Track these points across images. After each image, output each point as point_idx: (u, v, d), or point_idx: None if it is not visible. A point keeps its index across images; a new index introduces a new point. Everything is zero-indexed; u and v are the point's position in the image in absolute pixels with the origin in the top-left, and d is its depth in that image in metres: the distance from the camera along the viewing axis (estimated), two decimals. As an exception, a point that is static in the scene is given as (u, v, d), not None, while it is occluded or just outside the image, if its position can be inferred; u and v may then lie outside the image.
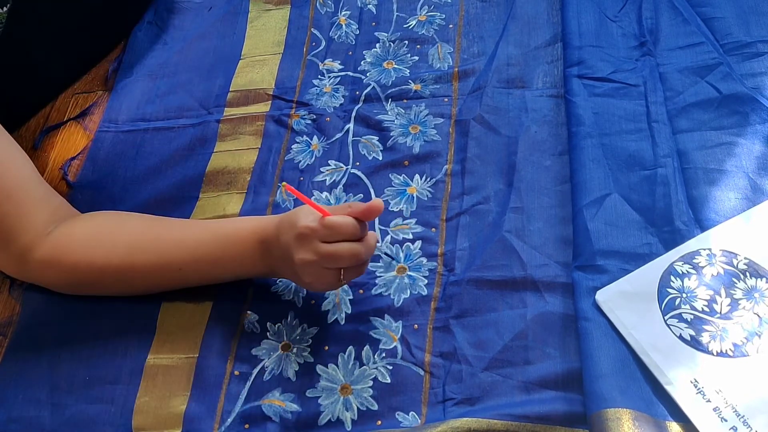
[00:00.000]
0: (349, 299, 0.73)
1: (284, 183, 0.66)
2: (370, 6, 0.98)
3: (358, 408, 0.66)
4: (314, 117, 0.88)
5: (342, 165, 0.83)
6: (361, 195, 0.80)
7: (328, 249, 0.63)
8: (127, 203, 0.83)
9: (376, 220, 0.77)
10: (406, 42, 0.93)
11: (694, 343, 0.63)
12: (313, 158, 0.84)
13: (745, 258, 0.67)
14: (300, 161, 0.84)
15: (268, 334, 0.72)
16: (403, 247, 0.75)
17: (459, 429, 0.61)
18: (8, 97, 0.91)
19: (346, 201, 0.80)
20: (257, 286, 0.75)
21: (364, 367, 0.68)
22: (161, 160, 0.87)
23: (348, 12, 0.98)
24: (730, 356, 0.62)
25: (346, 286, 0.73)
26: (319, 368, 0.69)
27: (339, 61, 0.93)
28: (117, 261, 0.71)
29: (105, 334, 0.73)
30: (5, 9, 0.82)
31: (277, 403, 0.67)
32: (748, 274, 0.66)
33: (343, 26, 0.97)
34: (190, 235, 0.71)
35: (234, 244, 0.69)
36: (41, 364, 0.72)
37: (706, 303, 0.65)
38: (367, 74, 0.90)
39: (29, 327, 0.75)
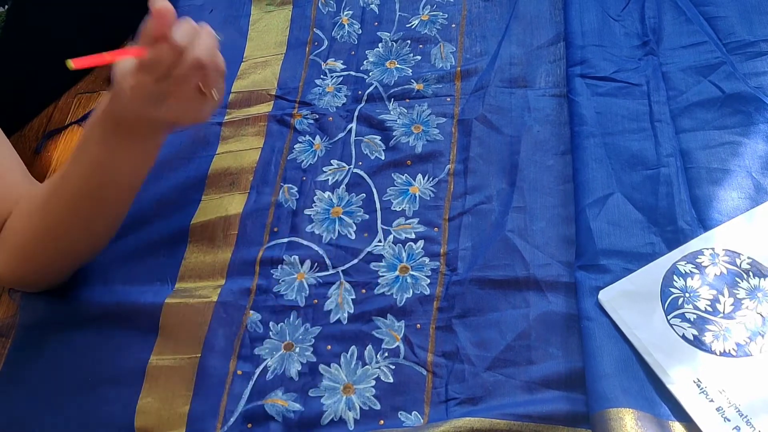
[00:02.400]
0: (352, 299, 0.73)
1: (69, 62, 0.57)
2: (372, 5, 0.98)
3: (360, 407, 0.66)
4: (317, 117, 0.88)
5: (344, 164, 0.83)
6: (364, 195, 0.80)
7: (173, 80, 0.59)
8: (129, 204, 0.83)
9: (378, 220, 0.77)
10: (409, 41, 0.93)
11: (697, 343, 0.63)
12: (316, 158, 0.84)
13: (749, 257, 0.67)
14: (302, 161, 0.84)
15: (270, 333, 0.72)
16: (406, 247, 0.75)
17: (461, 429, 0.61)
18: (10, 97, 0.91)
19: (348, 201, 0.80)
20: (260, 286, 0.75)
21: (367, 366, 0.68)
22: (162, 163, 0.86)
23: (350, 12, 0.98)
24: (733, 356, 0.62)
25: (348, 286, 0.73)
26: (322, 368, 0.69)
27: (341, 61, 0.93)
28: (42, 224, 0.70)
29: (107, 335, 0.73)
30: (5, 8, 0.82)
31: (280, 402, 0.67)
32: (751, 273, 0.66)
33: (346, 26, 0.97)
34: (62, 175, 0.69)
35: (93, 146, 0.66)
36: (43, 365, 0.72)
37: (709, 303, 0.65)
38: (370, 74, 0.90)
39: (31, 328, 0.75)
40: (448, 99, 0.86)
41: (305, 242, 0.77)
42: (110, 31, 1.00)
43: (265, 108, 0.90)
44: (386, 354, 0.69)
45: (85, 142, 0.68)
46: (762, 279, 0.65)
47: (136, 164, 0.70)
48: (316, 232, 0.78)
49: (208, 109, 0.66)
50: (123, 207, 0.73)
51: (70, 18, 0.94)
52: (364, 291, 0.73)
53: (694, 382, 0.60)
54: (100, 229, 0.73)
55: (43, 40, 0.91)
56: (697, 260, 0.67)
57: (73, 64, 0.55)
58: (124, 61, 0.59)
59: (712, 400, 0.59)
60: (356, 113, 0.87)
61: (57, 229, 0.71)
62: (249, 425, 0.67)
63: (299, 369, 0.69)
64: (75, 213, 0.70)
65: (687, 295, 0.65)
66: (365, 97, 0.88)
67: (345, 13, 0.98)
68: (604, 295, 0.66)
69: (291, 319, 0.72)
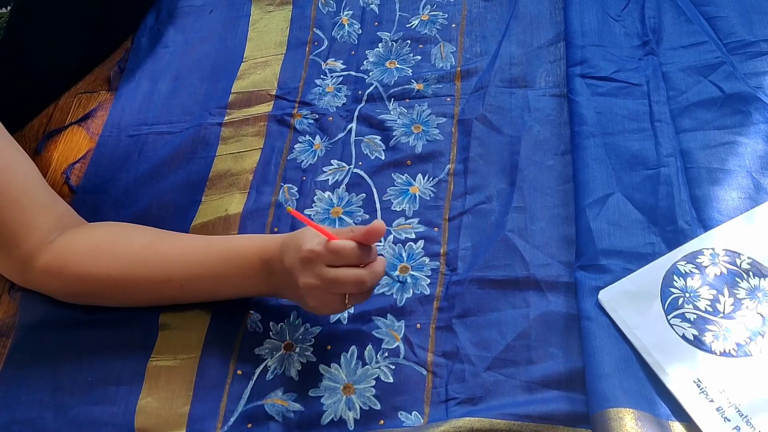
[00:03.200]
0: (352, 299, 0.73)
1: (288, 207, 0.64)
2: (372, 5, 0.98)
3: (360, 407, 0.66)
4: (317, 117, 0.88)
5: (344, 164, 0.83)
6: (364, 195, 0.80)
7: (332, 274, 0.62)
8: (129, 208, 0.83)
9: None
10: (409, 41, 0.93)
11: (697, 343, 0.63)
12: (316, 158, 0.84)
13: (749, 257, 0.67)
14: (302, 161, 0.84)
15: (270, 333, 0.72)
16: (406, 247, 0.75)
17: (461, 429, 0.61)
18: (11, 97, 0.91)
19: (348, 201, 0.80)
20: (260, 286, 0.75)
21: (367, 366, 0.68)
22: (163, 163, 0.86)
23: (350, 12, 0.98)
24: (733, 356, 0.62)
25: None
26: (322, 368, 0.69)
27: (341, 61, 0.93)
28: (118, 274, 0.70)
29: (107, 335, 0.73)
30: (7, 9, 0.82)
31: (280, 402, 0.67)
32: (751, 273, 0.66)
33: (346, 26, 0.97)
34: (193, 251, 0.70)
35: (237, 263, 0.68)
36: (44, 366, 0.72)
37: (709, 302, 0.65)
38: (370, 74, 0.90)
39: (32, 328, 0.75)
40: (448, 99, 0.86)
41: (305, 242, 0.77)
42: (110, 32, 1.01)
43: (265, 108, 0.90)
44: (386, 354, 0.69)
45: (231, 250, 0.69)
46: (762, 279, 0.65)
47: (232, 294, 0.72)
48: (316, 232, 0.78)
49: (336, 313, 0.70)
50: (172, 301, 0.73)
51: (72, 19, 0.94)
52: (364, 291, 0.73)
53: (694, 382, 0.60)
54: (153, 303, 0.73)
55: (44, 40, 0.91)
56: (697, 260, 0.67)
57: (289, 211, 0.63)
58: (316, 233, 0.63)
59: (712, 400, 0.59)
60: (356, 113, 0.87)
61: (130, 286, 0.71)
62: (249, 425, 0.67)
63: (299, 369, 0.69)
64: (160, 289, 0.71)
65: (687, 295, 0.65)
66: (365, 97, 0.88)
67: (345, 13, 0.98)
68: (604, 295, 0.66)
69: (291, 319, 0.72)
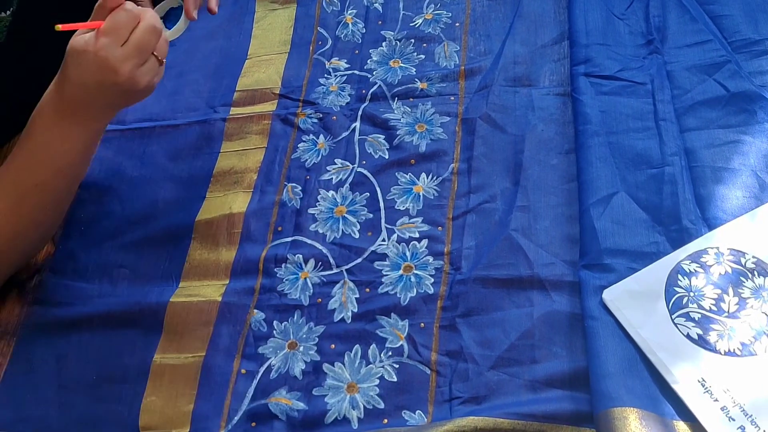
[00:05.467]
0: (356, 298, 0.73)
1: (57, 25, 0.65)
2: (376, 4, 0.98)
3: (364, 406, 0.66)
4: (320, 116, 0.88)
5: (348, 164, 0.83)
6: (368, 194, 0.80)
7: (133, 42, 0.65)
8: (134, 202, 0.83)
9: (382, 219, 0.77)
10: (413, 40, 0.93)
11: (702, 342, 0.62)
12: (320, 157, 0.84)
13: (753, 257, 0.67)
14: (306, 160, 0.84)
15: (274, 332, 0.72)
16: (410, 246, 0.75)
17: (465, 428, 0.61)
18: (13, 100, 0.91)
19: (352, 200, 0.80)
20: (264, 285, 0.75)
21: (371, 365, 0.68)
22: (168, 159, 0.87)
23: (354, 11, 0.98)
24: (737, 355, 0.62)
25: (352, 285, 0.73)
26: (326, 367, 0.69)
27: (345, 60, 0.93)
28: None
29: (112, 334, 0.73)
30: (9, 12, 0.82)
31: (284, 401, 0.67)
32: (756, 272, 0.66)
33: (350, 25, 0.97)
34: (8, 167, 0.71)
35: (40, 136, 0.69)
36: (49, 364, 0.72)
37: (713, 302, 0.65)
38: (374, 73, 0.90)
39: (37, 327, 0.75)
40: (452, 98, 0.86)
41: (309, 241, 0.77)
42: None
43: (269, 107, 0.90)
44: (390, 353, 0.69)
45: (29, 133, 0.70)
46: (767, 278, 0.65)
47: (84, 150, 0.72)
48: (320, 231, 0.78)
49: (158, 77, 0.71)
50: (67, 199, 0.74)
51: (74, 20, 0.94)
52: (368, 290, 0.73)
53: (699, 381, 0.60)
54: (46, 222, 0.74)
55: (46, 43, 0.91)
56: (702, 259, 0.67)
57: (60, 27, 0.63)
58: (80, 35, 0.65)
59: (716, 400, 0.59)
60: (360, 112, 0.87)
61: (1, 225, 0.71)
62: (253, 424, 0.67)
63: (303, 368, 0.69)
64: (22, 205, 0.71)
65: (691, 294, 0.65)
66: (369, 96, 0.88)
67: (349, 12, 0.98)
68: (608, 295, 0.66)
69: (295, 318, 0.72)
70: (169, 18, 0.80)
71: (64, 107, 0.68)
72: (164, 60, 0.69)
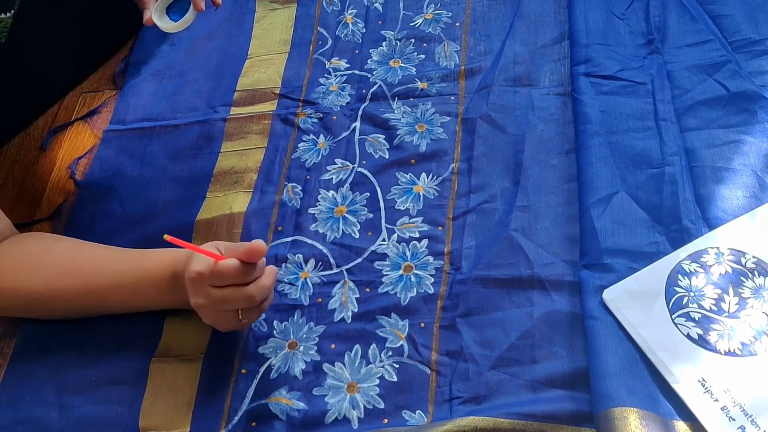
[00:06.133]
0: (356, 297, 0.73)
1: (166, 235, 0.64)
2: (376, 4, 0.98)
3: (364, 406, 0.66)
4: (321, 116, 0.88)
5: (348, 163, 0.83)
6: (368, 194, 0.80)
7: (218, 294, 0.64)
8: (134, 202, 0.83)
9: (382, 219, 0.77)
10: (413, 40, 0.93)
11: (702, 342, 0.62)
12: (320, 157, 0.84)
13: (753, 256, 0.67)
14: (306, 160, 0.84)
15: (274, 332, 0.72)
16: (410, 246, 0.75)
17: (465, 428, 0.61)
18: (15, 100, 0.91)
19: (352, 200, 0.80)
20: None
21: (371, 365, 0.68)
22: (168, 159, 0.87)
23: (354, 10, 0.98)
24: (738, 355, 0.61)
25: (352, 285, 0.73)
26: (326, 366, 0.69)
27: (345, 60, 0.93)
28: (40, 287, 0.71)
29: (111, 335, 0.73)
30: (9, 14, 0.82)
31: (284, 401, 0.67)
32: (756, 272, 0.66)
33: (350, 25, 0.97)
34: (111, 264, 0.72)
35: (150, 275, 0.70)
36: (48, 365, 0.72)
37: (713, 302, 0.65)
38: (374, 73, 0.90)
39: (36, 329, 0.75)
40: (452, 98, 0.86)
41: (309, 241, 0.77)
42: (114, 31, 1.01)
43: (270, 107, 0.90)
44: (390, 353, 0.69)
45: (146, 269, 0.70)
46: (767, 278, 0.65)
47: (161, 307, 0.73)
48: (320, 230, 0.78)
49: (236, 329, 0.70)
50: (101, 313, 0.74)
51: (74, 20, 0.94)
52: (368, 290, 0.73)
53: (699, 381, 0.60)
54: (78, 315, 0.74)
55: (47, 43, 0.91)
56: (702, 259, 0.67)
57: (167, 238, 0.63)
58: (205, 257, 0.64)
59: (716, 400, 0.59)
60: (360, 112, 0.87)
61: (53, 299, 0.71)
62: (253, 424, 0.67)
63: (303, 368, 0.69)
64: (82, 301, 0.72)
65: (692, 294, 0.65)
66: (369, 96, 0.88)
67: (349, 11, 0.98)
68: (608, 294, 0.66)
69: (295, 317, 0.72)
70: (173, 9, 0.80)
71: (173, 280, 0.69)
72: (243, 320, 0.67)
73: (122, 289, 0.70)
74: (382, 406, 0.66)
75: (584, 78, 0.81)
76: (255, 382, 0.69)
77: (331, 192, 0.81)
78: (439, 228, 0.76)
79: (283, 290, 0.74)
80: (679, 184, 0.71)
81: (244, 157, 0.85)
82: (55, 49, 0.93)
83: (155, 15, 0.77)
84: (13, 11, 0.82)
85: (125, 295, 0.71)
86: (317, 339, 0.71)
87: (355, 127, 0.86)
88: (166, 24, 0.79)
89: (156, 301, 0.71)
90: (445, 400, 0.66)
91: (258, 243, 0.63)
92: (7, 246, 0.74)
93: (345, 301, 0.73)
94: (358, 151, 0.84)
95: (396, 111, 0.86)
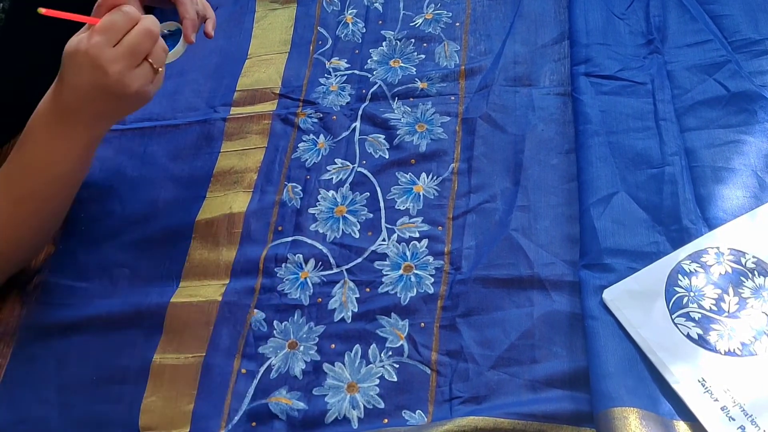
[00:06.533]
0: (356, 297, 0.73)
1: (40, 9, 0.62)
2: (376, 4, 0.98)
3: (364, 406, 0.66)
4: (321, 115, 0.88)
5: (348, 163, 0.83)
6: (368, 194, 0.80)
7: (122, 47, 0.62)
8: (134, 202, 0.83)
9: (382, 219, 0.77)
10: (413, 40, 0.93)
11: (702, 342, 0.62)
12: (320, 157, 0.84)
13: (754, 256, 0.67)
14: (306, 160, 0.84)
15: (274, 332, 0.72)
16: (410, 246, 0.75)
17: (465, 428, 0.61)
18: (11, 95, 0.91)
19: (352, 200, 0.80)
20: (264, 285, 0.75)
21: (371, 365, 0.68)
22: (168, 158, 0.87)
23: (354, 10, 0.98)
24: (738, 355, 0.61)
25: (352, 285, 0.73)
26: (326, 366, 0.69)
27: (345, 60, 0.93)
28: None
29: (112, 334, 0.73)
30: (3, 5, 0.82)
31: (284, 401, 0.67)
32: (756, 272, 0.66)
33: (350, 25, 0.97)
34: (4, 175, 0.69)
35: (34, 143, 0.67)
36: (49, 364, 0.72)
37: (713, 302, 0.65)
38: (374, 73, 0.90)
39: (37, 328, 0.75)
40: (452, 98, 0.86)
41: (309, 241, 0.77)
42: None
43: (270, 107, 0.90)
44: (390, 353, 0.69)
45: (26, 140, 0.68)
46: (767, 278, 0.65)
47: (79, 157, 0.70)
48: (320, 230, 0.78)
49: (155, 86, 0.68)
50: (65, 205, 0.73)
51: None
52: (368, 290, 0.73)
53: (699, 381, 0.60)
54: (41, 229, 0.73)
55: (43, 38, 0.91)
56: (702, 259, 0.67)
57: (43, 11, 0.60)
58: (78, 35, 0.62)
59: (716, 400, 0.59)
60: (360, 112, 0.87)
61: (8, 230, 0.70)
62: (253, 424, 0.67)
63: (303, 368, 0.69)
64: (18, 213, 0.70)
65: (692, 294, 0.65)
66: (369, 96, 0.88)
67: (349, 11, 0.98)
68: (608, 294, 0.66)
69: (295, 317, 0.72)
70: (166, 40, 0.80)
71: (58, 113, 0.67)
72: (161, 68, 0.67)
73: (28, 168, 0.68)
74: (382, 406, 0.66)
75: (584, 78, 0.81)
76: (255, 381, 0.69)
77: (331, 192, 0.81)
78: (439, 228, 0.76)
79: (283, 290, 0.74)
80: (679, 184, 0.71)
81: (244, 157, 0.85)
82: (54, 47, 0.93)
83: None
84: (7, 3, 0.82)
85: (37, 169, 0.68)
86: (317, 339, 0.71)
87: (355, 127, 0.86)
88: None
89: (68, 157, 0.68)
90: (445, 400, 0.66)
91: None
92: None
93: (345, 301, 0.73)
94: (358, 151, 0.84)
95: (396, 111, 0.86)
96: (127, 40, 0.63)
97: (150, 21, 0.65)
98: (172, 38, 0.79)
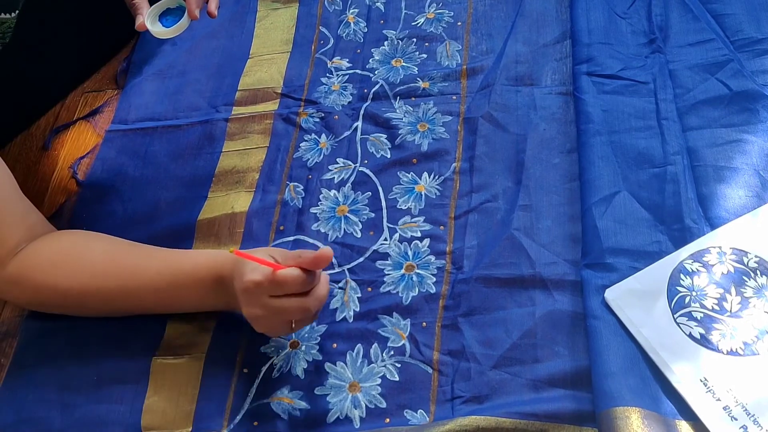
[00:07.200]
0: (358, 297, 0.73)
1: (231, 249, 0.63)
2: (378, 4, 0.98)
3: (366, 406, 0.66)
4: (322, 115, 0.88)
5: (350, 163, 0.83)
6: (370, 193, 0.80)
7: (275, 304, 0.62)
8: (136, 202, 0.83)
9: (384, 218, 0.77)
10: (415, 39, 0.93)
11: (704, 342, 0.62)
12: (322, 156, 0.84)
13: (756, 256, 0.67)
14: (308, 159, 0.84)
15: (276, 332, 0.72)
16: (412, 245, 0.75)
17: (467, 427, 0.61)
18: (19, 96, 0.91)
19: (354, 199, 0.80)
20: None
21: (373, 365, 0.68)
22: (170, 158, 0.87)
23: (356, 10, 0.98)
24: (740, 355, 0.61)
25: (354, 285, 0.73)
26: (328, 366, 0.69)
27: (347, 59, 0.93)
28: (78, 286, 0.70)
29: (113, 334, 0.73)
30: (13, 15, 0.82)
31: (286, 400, 0.67)
32: (758, 272, 0.66)
33: (352, 24, 0.96)
34: (151, 265, 0.70)
35: (191, 279, 0.68)
36: (50, 365, 0.72)
37: (716, 301, 0.65)
38: (376, 72, 0.90)
39: (38, 328, 0.75)
40: (454, 97, 0.86)
41: (311, 240, 0.77)
42: (116, 30, 1.01)
43: (271, 106, 0.90)
44: (392, 352, 0.69)
45: (187, 272, 0.69)
46: (769, 277, 0.65)
47: (190, 308, 0.72)
48: (322, 230, 0.78)
49: (285, 335, 0.70)
50: (146, 312, 0.73)
51: (78, 20, 0.95)
52: (369, 289, 0.73)
53: (701, 380, 0.60)
54: (115, 314, 0.74)
55: (51, 43, 0.91)
56: (704, 258, 0.67)
57: (234, 253, 0.62)
58: (260, 265, 0.62)
59: (718, 399, 0.59)
60: (362, 111, 0.87)
61: (91, 297, 0.71)
62: (255, 423, 0.67)
63: (305, 367, 0.69)
64: (120, 301, 0.71)
65: (694, 293, 0.65)
66: (371, 96, 0.88)
67: (351, 11, 0.98)
68: (610, 294, 0.66)
69: (297, 317, 0.72)
70: (166, 16, 0.80)
71: (215, 285, 0.67)
72: (295, 328, 0.66)
73: (162, 292, 0.69)
74: (383, 405, 0.66)
75: (586, 77, 0.81)
76: (257, 381, 0.69)
77: (333, 191, 0.81)
78: (441, 227, 0.76)
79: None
80: (681, 184, 0.71)
81: (246, 157, 0.85)
82: (57, 49, 0.93)
83: (148, 20, 0.77)
84: (17, 11, 0.82)
85: (165, 298, 0.70)
86: (319, 338, 0.71)
87: (356, 127, 0.86)
88: (158, 29, 0.78)
89: (196, 303, 0.71)
90: (447, 400, 0.65)
91: (327, 250, 0.61)
92: (44, 242, 0.73)
93: (347, 300, 0.73)
94: (359, 151, 0.84)
95: (398, 110, 0.86)
96: (282, 303, 0.62)
97: (314, 300, 0.63)
98: (174, 13, 0.79)
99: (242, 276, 0.62)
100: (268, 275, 0.61)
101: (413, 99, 0.87)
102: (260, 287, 0.62)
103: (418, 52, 0.91)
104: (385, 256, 0.75)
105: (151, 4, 0.78)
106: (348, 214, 0.79)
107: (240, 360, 0.70)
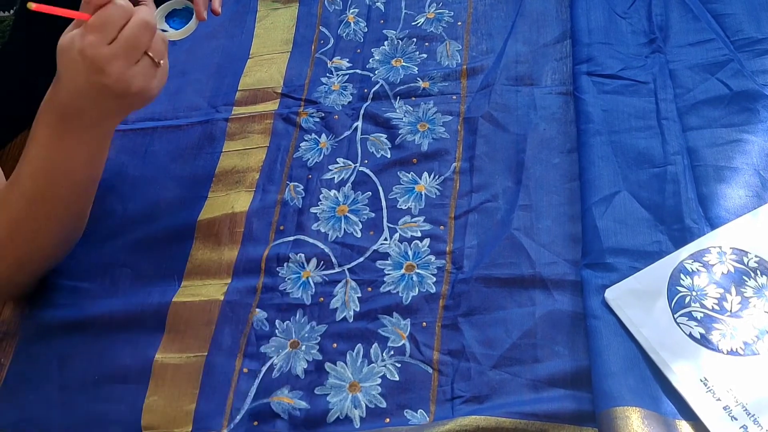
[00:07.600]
0: (358, 297, 0.73)
1: (30, 3, 0.57)
2: (378, 3, 0.98)
3: (366, 405, 0.66)
4: (322, 115, 0.88)
5: (350, 163, 0.83)
6: (370, 193, 0.80)
7: (120, 43, 0.58)
8: (135, 202, 0.84)
9: (384, 218, 0.77)
10: (415, 39, 0.93)
11: (704, 342, 0.62)
12: (322, 156, 0.84)
13: (756, 256, 0.67)
14: (308, 159, 0.84)
15: (276, 331, 0.72)
16: (412, 245, 0.75)
17: (467, 427, 0.61)
18: (16, 97, 0.91)
19: (354, 199, 0.80)
20: (266, 284, 0.75)
21: (373, 364, 0.68)
22: (170, 158, 0.87)
23: (356, 10, 0.98)
24: (740, 354, 0.61)
25: (354, 284, 0.73)
26: (328, 366, 0.69)
27: (347, 59, 0.93)
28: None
29: (114, 334, 0.73)
30: (12, 12, 0.82)
31: (286, 400, 0.67)
32: (758, 272, 0.66)
33: (352, 24, 0.97)
34: (14, 178, 0.68)
35: (39, 145, 0.64)
36: (51, 364, 0.72)
37: (716, 301, 0.65)
38: (376, 72, 0.90)
39: (38, 327, 0.75)
40: (454, 97, 0.86)
41: (311, 240, 0.77)
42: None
43: (272, 106, 0.90)
44: (392, 352, 0.69)
45: (32, 140, 0.66)
46: (769, 277, 0.65)
47: (88, 157, 0.68)
48: (322, 230, 0.78)
49: (158, 81, 0.65)
50: (82, 205, 0.71)
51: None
52: (370, 289, 0.73)
53: (701, 380, 0.60)
54: (60, 231, 0.71)
55: (49, 42, 0.91)
56: (704, 258, 0.67)
57: (33, 6, 0.56)
58: (69, 32, 0.59)
59: (719, 399, 0.59)
60: (362, 111, 0.87)
61: (15, 235, 0.69)
62: (255, 423, 0.67)
63: (305, 367, 0.69)
64: (32, 216, 0.68)
65: (694, 293, 0.65)
66: (371, 96, 0.88)
67: (351, 11, 0.98)
68: (610, 294, 0.66)
69: (297, 317, 0.72)
70: (173, 17, 0.80)
71: (59, 114, 0.64)
72: (162, 61, 0.63)
73: (37, 171, 0.66)
74: (384, 405, 0.66)
75: (586, 77, 0.81)
76: (257, 381, 0.69)
77: (333, 191, 0.81)
78: (441, 227, 0.76)
79: (285, 289, 0.74)
80: (682, 184, 0.71)
81: (246, 157, 0.85)
82: (55, 48, 0.93)
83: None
84: (14, 9, 0.82)
85: (46, 172, 0.66)
86: (319, 338, 0.71)
87: (356, 127, 0.86)
88: (166, 31, 0.78)
89: (85, 148, 0.66)
90: (447, 400, 0.66)
91: None
92: None
93: (347, 300, 0.73)
94: (359, 151, 0.84)
95: (398, 110, 0.86)
96: (123, 35, 0.59)
97: (145, 12, 0.60)
98: (181, 15, 0.79)
99: (70, 61, 0.59)
100: (89, 25, 0.58)
101: (413, 99, 0.87)
102: (94, 42, 0.58)
103: (418, 52, 0.91)
104: (385, 256, 0.75)
105: (157, 5, 0.78)
106: (348, 214, 0.79)
107: (240, 360, 0.70)
